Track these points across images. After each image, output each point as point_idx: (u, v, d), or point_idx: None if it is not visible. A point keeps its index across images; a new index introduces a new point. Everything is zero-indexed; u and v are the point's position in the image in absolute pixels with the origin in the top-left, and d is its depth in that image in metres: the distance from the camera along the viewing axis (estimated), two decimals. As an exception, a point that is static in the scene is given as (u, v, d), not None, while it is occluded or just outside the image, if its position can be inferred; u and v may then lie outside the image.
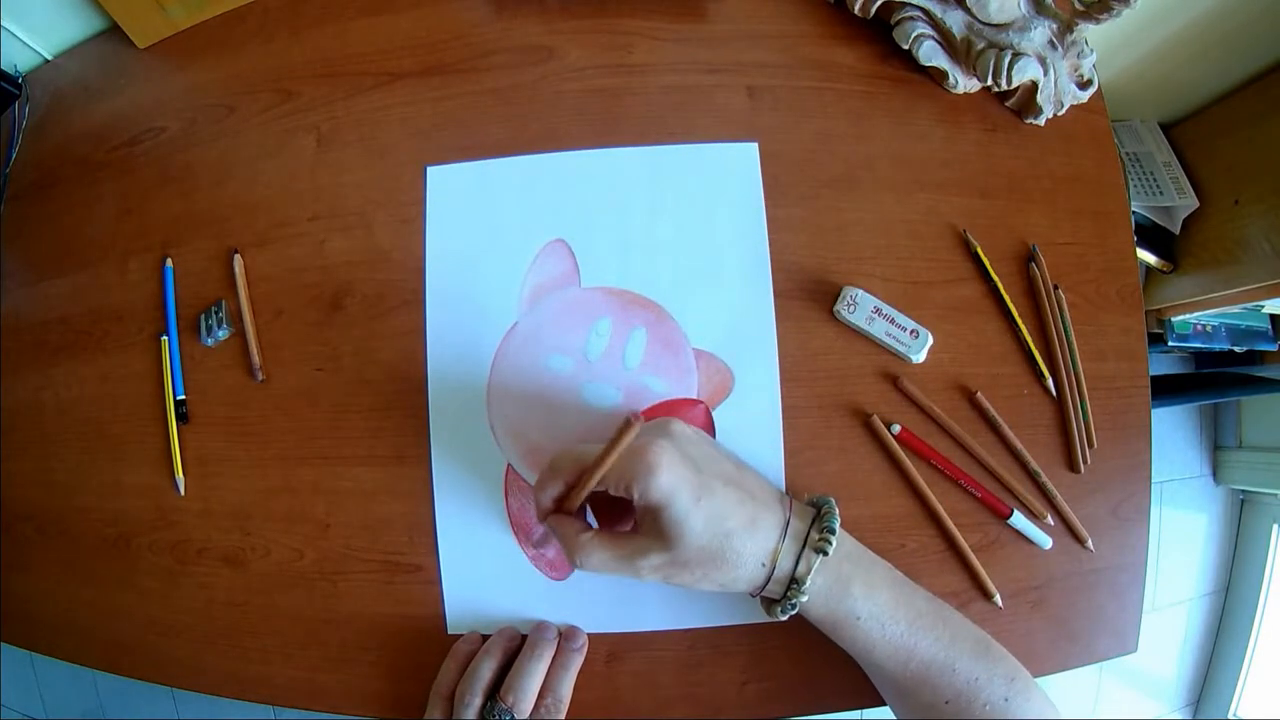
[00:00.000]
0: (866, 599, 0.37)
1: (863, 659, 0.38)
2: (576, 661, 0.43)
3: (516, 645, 0.44)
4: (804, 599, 0.36)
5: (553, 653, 0.43)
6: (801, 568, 0.36)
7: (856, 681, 0.43)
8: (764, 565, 0.36)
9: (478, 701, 0.41)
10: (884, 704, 0.43)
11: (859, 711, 0.45)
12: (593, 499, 0.38)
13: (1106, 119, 0.51)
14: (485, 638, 0.44)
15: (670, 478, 0.34)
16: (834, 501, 0.39)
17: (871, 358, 0.46)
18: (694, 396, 0.45)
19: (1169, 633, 1.27)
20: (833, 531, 0.37)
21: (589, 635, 0.44)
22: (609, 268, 0.47)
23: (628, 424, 0.33)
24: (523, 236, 0.48)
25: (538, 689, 0.42)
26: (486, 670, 0.42)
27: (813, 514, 0.39)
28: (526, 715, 0.41)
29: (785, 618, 0.37)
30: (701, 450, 0.37)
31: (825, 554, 0.36)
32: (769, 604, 0.38)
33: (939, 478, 0.45)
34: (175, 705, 1.26)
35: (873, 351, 0.46)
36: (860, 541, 0.40)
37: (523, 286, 0.47)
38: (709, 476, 0.36)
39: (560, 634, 0.44)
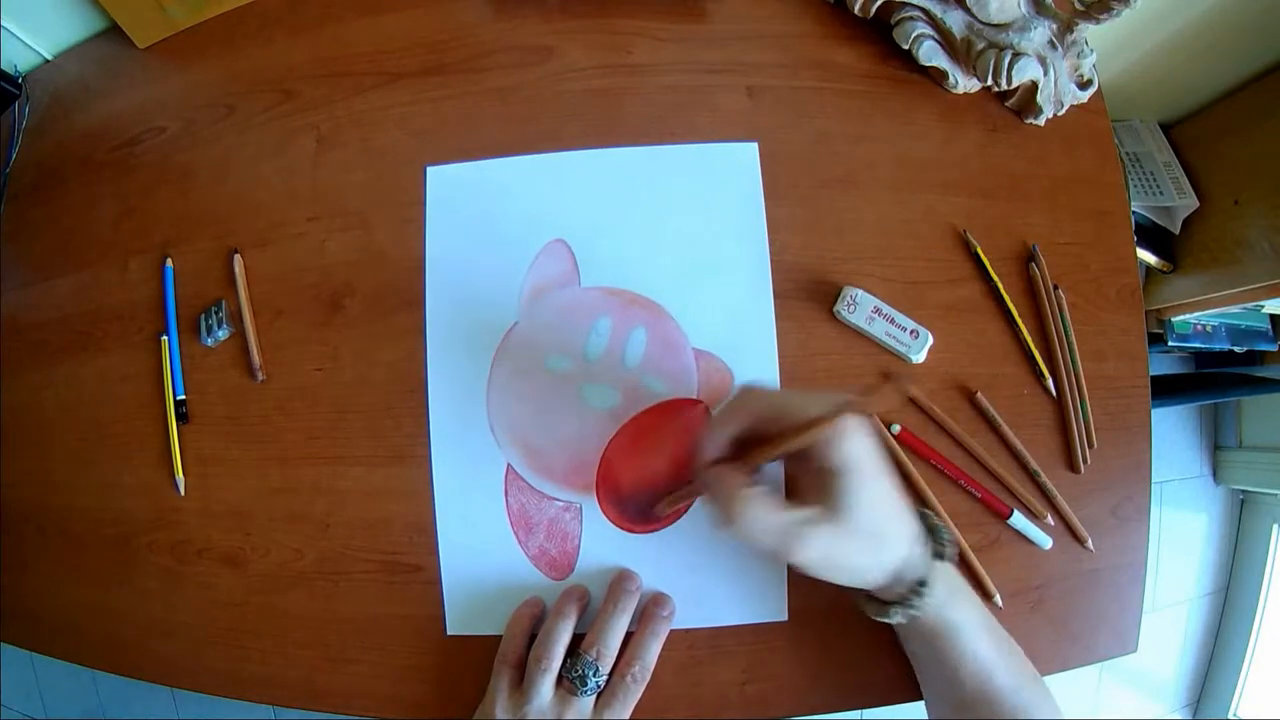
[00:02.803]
0: (969, 611, 0.38)
1: (946, 673, 0.38)
2: (665, 630, 0.42)
3: (587, 604, 0.43)
4: (928, 599, 0.36)
5: (635, 605, 0.42)
6: (925, 571, 0.36)
7: (856, 682, 0.43)
8: (902, 558, 0.36)
9: (556, 664, 0.40)
10: (881, 704, 0.43)
11: (859, 712, 0.45)
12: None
13: (1106, 119, 0.51)
14: (541, 602, 0.43)
15: (860, 446, 0.34)
16: (932, 514, 0.39)
17: (871, 358, 0.46)
18: (694, 396, 0.45)
19: (1169, 633, 1.27)
20: (947, 539, 0.38)
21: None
22: (609, 268, 0.47)
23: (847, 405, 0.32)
24: (523, 236, 0.48)
25: (619, 642, 0.41)
26: (564, 630, 0.41)
27: (926, 526, 0.39)
28: (608, 671, 0.40)
29: (900, 619, 0.37)
30: (875, 439, 0.37)
31: (944, 559, 0.37)
32: (879, 606, 0.38)
33: (939, 478, 0.45)
34: (175, 705, 1.26)
35: (873, 351, 0.46)
36: None
37: (523, 286, 0.47)
38: (883, 460, 0.36)
39: (646, 597, 0.43)
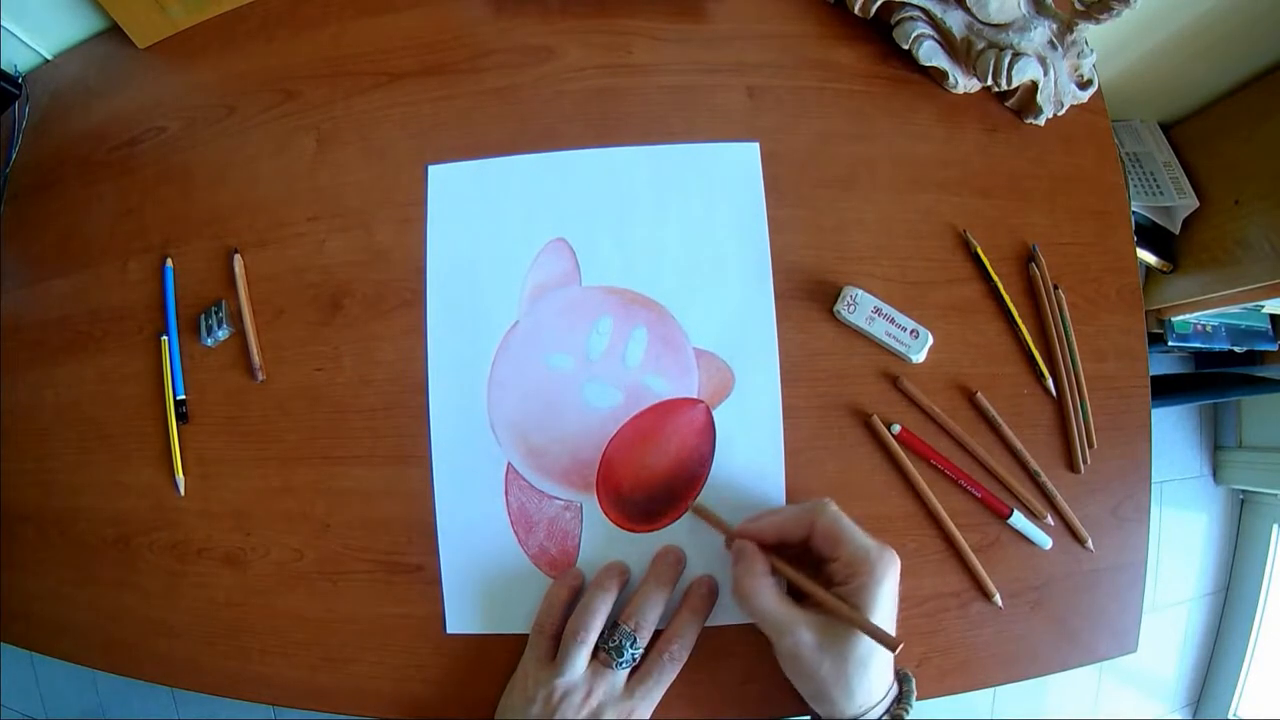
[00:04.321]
0: None
1: None
2: (706, 612, 0.42)
3: (627, 580, 0.43)
4: None
5: (676, 580, 0.43)
6: None
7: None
8: (859, 707, 0.37)
9: (593, 637, 0.40)
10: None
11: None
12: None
13: (1106, 119, 0.51)
14: (581, 575, 0.44)
15: (886, 594, 0.37)
16: (914, 678, 0.40)
17: (871, 358, 0.46)
18: (694, 396, 0.45)
19: (1169, 633, 1.27)
20: (911, 705, 0.39)
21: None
22: (610, 267, 0.47)
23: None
24: (523, 235, 0.48)
25: (658, 616, 0.41)
26: (603, 604, 0.41)
27: (899, 684, 0.40)
28: (645, 644, 0.40)
29: None
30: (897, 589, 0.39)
31: None
32: None
33: (939, 478, 0.45)
34: (175, 705, 1.26)
35: (873, 351, 0.46)
36: None
37: (523, 285, 0.47)
38: (894, 613, 0.38)
39: (695, 577, 0.43)
